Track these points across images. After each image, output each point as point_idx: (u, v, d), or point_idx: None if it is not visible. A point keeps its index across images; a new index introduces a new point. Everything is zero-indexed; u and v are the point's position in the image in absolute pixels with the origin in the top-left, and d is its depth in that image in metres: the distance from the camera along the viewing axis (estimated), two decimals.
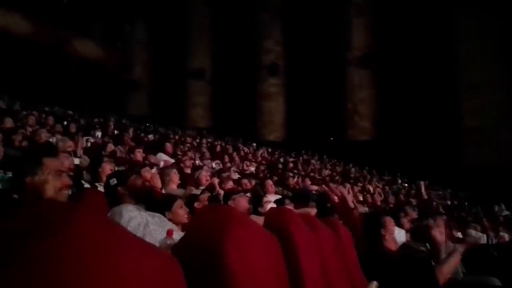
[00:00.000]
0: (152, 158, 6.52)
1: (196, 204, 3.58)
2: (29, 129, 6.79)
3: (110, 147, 6.65)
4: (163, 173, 5.00)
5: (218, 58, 20.65)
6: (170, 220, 2.75)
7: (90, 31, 19.25)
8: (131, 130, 10.72)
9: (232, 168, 8.19)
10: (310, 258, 1.83)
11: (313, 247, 1.94)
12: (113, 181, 2.59)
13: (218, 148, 11.84)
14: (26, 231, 0.59)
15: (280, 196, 5.14)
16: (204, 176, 5.25)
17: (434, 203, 8.59)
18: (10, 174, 2.74)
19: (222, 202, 3.60)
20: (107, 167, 4.12)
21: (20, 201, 2.04)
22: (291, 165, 11.47)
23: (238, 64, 20.08)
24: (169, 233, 1.84)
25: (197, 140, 13.20)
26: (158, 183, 4.40)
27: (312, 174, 11.20)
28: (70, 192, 2.09)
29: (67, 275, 0.60)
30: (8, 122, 6.72)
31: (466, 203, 10.83)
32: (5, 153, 3.95)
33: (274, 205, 4.02)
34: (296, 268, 1.70)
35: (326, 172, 12.47)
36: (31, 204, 1.07)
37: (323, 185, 5.51)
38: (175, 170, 5.09)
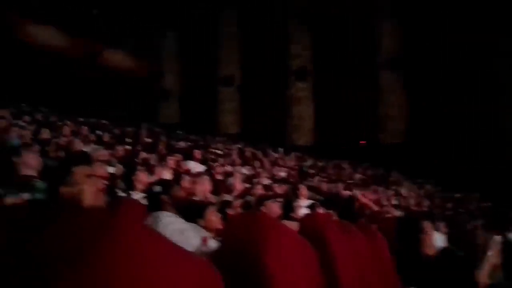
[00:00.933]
0: (184, 166, 6.59)
1: (229, 211, 3.58)
2: (64, 139, 6.98)
3: (143, 155, 6.75)
4: (194, 180, 5.03)
5: (246, 65, 20.76)
6: (203, 227, 2.76)
7: (121, 42, 19.71)
8: (163, 138, 10.87)
9: (263, 174, 8.19)
10: (346, 264, 1.79)
11: (349, 253, 1.91)
12: (158, 188, 2.64)
13: (248, 154, 11.87)
14: (71, 238, 0.59)
15: (312, 201, 5.10)
16: (236, 182, 5.26)
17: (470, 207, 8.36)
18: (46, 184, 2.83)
19: (254, 208, 3.60)
20: (141, 176, 4.18)
21: (57, 210, 2.09)
22: (313, 171, 11.39)
23: (266, 69, 20.13)
24: (204, 240, 1.85)
25: (228, 147, 13.27)
26: (198, 191, 4.41)
27: (343, 178, 11.08)
28: (105, 199, 2.12)
29: (110, 280, 0.60)
30: (45, 133, 6.91)
31: (505, 207, 10.48)
32: (43, 163, 4.06)
33: (306, 210, 3.99)
34: (332, 274, 1.68)
35: (357, 176, 12.32)
36: (70, 213, 1.09)
37: (354, 190, 5.45)
38: (206, 177, 5.12)
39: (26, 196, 2.76)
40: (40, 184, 3.01)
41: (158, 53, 20.90)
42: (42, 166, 3.35)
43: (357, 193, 3.54)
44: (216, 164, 7.61)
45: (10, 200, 2.34)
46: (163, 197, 2.63)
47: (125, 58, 18.25)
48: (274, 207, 3.44)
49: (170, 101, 20.67)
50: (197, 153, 8.20)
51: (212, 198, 4.43)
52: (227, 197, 4.40)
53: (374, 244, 2.41)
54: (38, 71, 15.16)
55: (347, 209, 3.74)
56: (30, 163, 3.18)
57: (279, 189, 5.86)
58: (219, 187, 5.25)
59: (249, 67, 20.65)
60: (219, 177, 6.48)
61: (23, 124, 7.32)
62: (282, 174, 9.40)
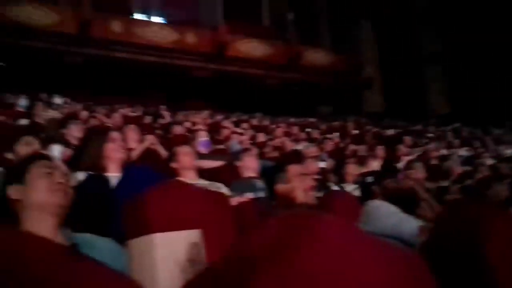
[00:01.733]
0: (395, 153, 6.40)
1: (446, 197, 3.34)
2: (278, 140, 7.54)
3: (352, 147, 6.81)
4: (408, 167, 4.84)
5: (452, 40, 18.97)
6: (418, 216, 2.64)
7: (319, 41, 20.29)
8: (369, 129, 10.77)
9: (485, 154, 7.37)
10: None
11: None
12: (370, 178, 2.65)
13: (465, 134, 10.83)
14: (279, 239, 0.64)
15: None
16: (454, 166, 4.87)
17: None
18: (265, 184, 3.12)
19: (475, 193, 3.27)
20: (351, 168, 4.23)
21: (275, 207, 2.28)
22: None
23: (476, 42, 18.01)
24: (421, 229, 1.77)
25: (440, 129, 12.36)
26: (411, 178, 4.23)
27: None
28: (317, 194, 2.22)
29: (312, 277, 0.62)
30: (260, 136, 7.60)
31: None
32: (262, 164, 4.48)
33: None
34: None
35: None
36: (283, 212, 1.18)
37: None
38: (420, 164, 4.86)
39: (249, 195, 3.09)
40: (260, 183, 3.34)
41: (355, 43, 20.75)
42: (260, 167, 3.70)
43: None
44: (430, 148, 7.16)
45: (236, 199, 2.65)
46: (374, 187, 2.61)
47: (324, 55, 18.68)
48: (501, 191, 3.07)
49: (373, 90, 20.31)
50: (408, 139, 7.88)
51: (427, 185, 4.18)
52: (444, 183, 4.09)
53: None
54: (247, 82, 16.71)
55: None
56: (251, 166, 3.54)
57: (506, 169, 5.18)
58: (435, 172, 4.93)
59: (456, 42, 18.80)
60: (433, 161, 6.10)
61: (241, 130, 8.19)
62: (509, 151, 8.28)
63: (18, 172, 1.48)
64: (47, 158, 1.59)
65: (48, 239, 1.11)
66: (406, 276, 0.70)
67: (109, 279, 0.70)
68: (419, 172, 4.62)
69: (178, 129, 6.37)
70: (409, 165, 4.87)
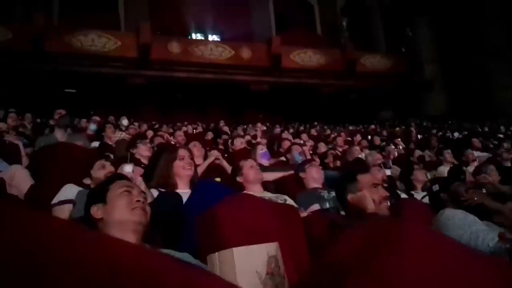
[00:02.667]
0: (463, 157, 6.11)
1: None
2: (339, 149, 7.42)
3: (417, 153, 6.59)
4: (479, 171, 4.60)
5: None
6: (497, 223, 2.50)
7: (374, 45, 19.93)
8: (434, 132, 10.39)
9: None
10: None
11: None
12: (436, 187, 2.59)
13: None
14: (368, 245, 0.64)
15: None
16: None
17: None
18: (333, 194, 3.07)
19: None
20: (419, 174, 4.11)
21: (345, 218, 2.25)
22: None
23: None
24: (501, 236, 1.68)
25: (511, 128, 11.68)
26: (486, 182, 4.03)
27: None
28: (388, 204, 2.16)
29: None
30: (322, 147, 7.52)
31: None
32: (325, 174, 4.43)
33: None
34: None
35: None
36: (369, 222, 1.16)
37: None
38: (492, 167, 4.61)
39: (316, 206, 3.06)
40: (326, 194, 3.30)
41: (412, 43, 20.10)
42: (324, 177, 3.67)
43: None
44: (502, 150, 6.78)
45: (304, 212, 2.65)
46: (441, 194, 2.53)
47: (380, 59, 18.30)
48: None
49: (434, 91, 19.52)
50: (476, 141, 7.51)
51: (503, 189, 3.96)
52: None
53: None
54: (304, 92, 16.68)
55: None
56: (315, 176, 3.51)
57: None
58: (510, 175, 4.65)
59: None
60: (506, 163, 5.75)
61: (301, 141, 8.15)
62: None
63: (99, 192, 1.59)
64: (126, 178, 1.69)
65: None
66: (501, 281, 0.68)
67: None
68: (492, 175, 4.38)
69: (238, 143, 6.45)
70: (480, 169, 4.63)
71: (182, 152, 2.80)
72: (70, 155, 3.83)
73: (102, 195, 1.55)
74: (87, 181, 2.97)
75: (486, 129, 12.35)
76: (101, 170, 2.96)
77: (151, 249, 1.23)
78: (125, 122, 8.10)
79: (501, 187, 4.04)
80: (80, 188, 2.76)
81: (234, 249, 1.31)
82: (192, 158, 2.84)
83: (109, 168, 3.01)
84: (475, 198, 2.39)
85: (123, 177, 1.73)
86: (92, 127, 7.59)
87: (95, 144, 5.98)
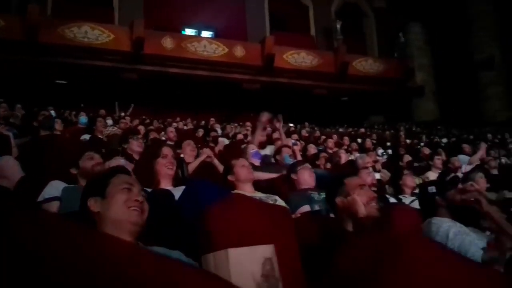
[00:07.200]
0: (456, 162, 6.14)
1: None
2: (329, 151, 7.43)
3: (407, 158, 6.63)
4: (468, 177, 4.65)
5: (508, 43, 18.16)
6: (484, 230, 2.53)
7: (367, 48, 20.03)
8: (423, 137, 10.48)
9: None
10: None
11: None
12: (432, 189, 2.58)
13: None
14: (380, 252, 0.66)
15: None
16: None
17: None
18: (324, 195, 3.07)
19: None
20: (408, 179, 4.14)
21: (334, 220, 2.25)
22: None
23: None
24: (490, 245, 1.71)
25: (498, 137, 11.83)
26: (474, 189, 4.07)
27: None
28: (376, 205, 2.16)
29: None
30: (311, 149, 7.51)
31: None
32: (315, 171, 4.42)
33: None
34: None
35: None
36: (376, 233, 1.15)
37: None
38: (481, 174, 4.66)
39: (306, 207, 3.07)
40: (316, 196, 3.31)
41: (405, 48, 20.17)
42: (315, 179, 3.67)
43: None
44: (489, 158, 6.85)
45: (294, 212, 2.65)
46: (437, 198, 2.52)
47: (372, 63, 18.37)
48: None
49: (425, 97, 19.68)
50: (466, 147, 7.59)
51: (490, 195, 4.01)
52: (509, 194, 3.91)
53: None
54: (295, 93, 16.70)
55: None
56: (306, 178, 3.52)
57: None
58: (496, 183, 4.70)
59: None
60: (493, 171, 5.82)
61: (292, 142, 8.14)
62: None
63: (99, 184, 1.52)
64: (128, 173, 1.63)
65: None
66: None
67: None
68: (480, 182, 4.42)
69: (221, 143, 6.44)
70: (469, 176, 4.67)
71: (165, 150, 2.80)
72: (61, 147, 3.80)
73: (101, 188, 1.48)
74: (73, 170, 2.90)
75: (471, 137, 12.48)
76: (89, 160, 2.90)
77: (145, 249, 1.23)
78: (109, 122, 7.99)
79: (488, 195, 4.09)
80: (65, 185, 2.73)
81: (229, 250, 1.32)
82: (175, 157, 2.83)
83: (98, 159, 2.96)
84: (472, 199, 2.38)
85: (125, 170, 1.65)
86: (83, 120, 7.54)
87: (86, 137, 5.94)
